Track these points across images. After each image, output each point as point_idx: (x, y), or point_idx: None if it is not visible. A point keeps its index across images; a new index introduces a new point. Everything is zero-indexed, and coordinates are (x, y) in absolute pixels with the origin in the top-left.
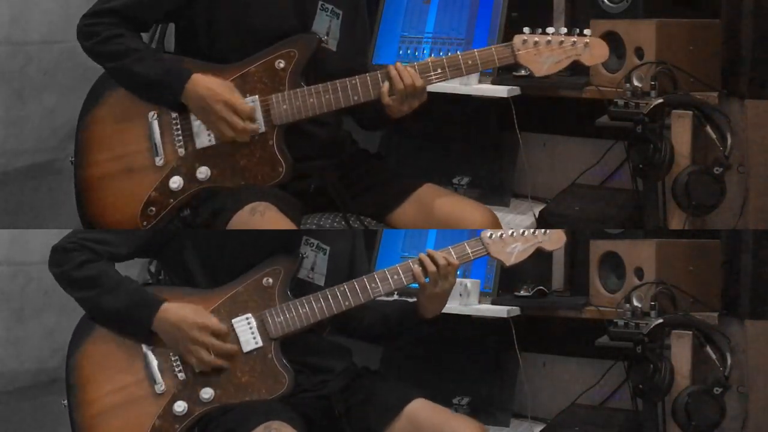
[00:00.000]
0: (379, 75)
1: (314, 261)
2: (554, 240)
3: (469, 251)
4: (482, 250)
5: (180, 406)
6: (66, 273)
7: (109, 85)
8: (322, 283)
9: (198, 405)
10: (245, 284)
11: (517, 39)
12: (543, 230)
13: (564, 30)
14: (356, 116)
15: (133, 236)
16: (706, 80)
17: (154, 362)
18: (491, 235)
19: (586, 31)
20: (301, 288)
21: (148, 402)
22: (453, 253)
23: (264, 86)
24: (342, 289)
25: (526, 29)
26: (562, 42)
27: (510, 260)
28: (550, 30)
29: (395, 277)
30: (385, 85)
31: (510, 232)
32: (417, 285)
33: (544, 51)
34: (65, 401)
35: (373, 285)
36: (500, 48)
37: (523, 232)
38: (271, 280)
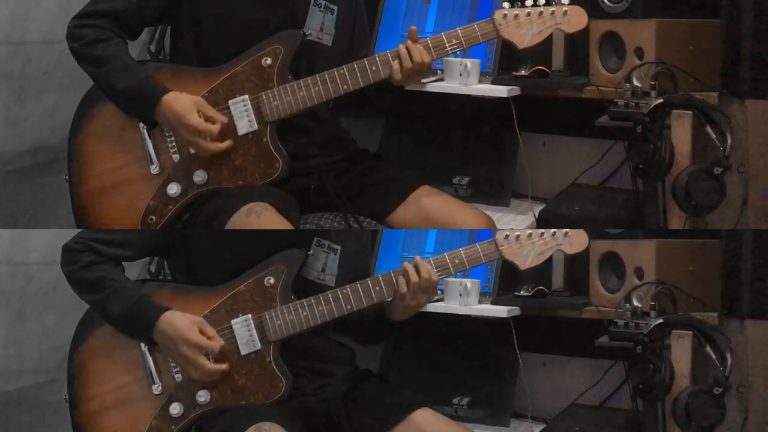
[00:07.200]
0: (366, 63)
1: (325, 262)
2: (576, 243)
3: (482, 254)
4: (495, 253)
5: (176, 408)
6: (74, 273)
7: (97, 98)
8: (333, 284)
9: (194, 407)
10: (246, 283)
11: (498, 14)
12: (564, 232)
13: (542, 1)
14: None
15: (140, 237)
16: (706, 80)
17: (152, 363)
18: (507, 236)
19: (564, 0)
20: (311, 291)
21: (145, 402)
22: (463, 255)
23: (253, 85)
24: (345, 291)
25: (505, 3)
26: (541, 13)
27: (525, 264)
28: (528, 2)
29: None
30: (395, 63)
31: (528, 233)
32: None
33: (525, 23)
34: (66, 395)
35: (377, 288)
36: (482, 24)
37: (542, 234)
38: (272, 280)
